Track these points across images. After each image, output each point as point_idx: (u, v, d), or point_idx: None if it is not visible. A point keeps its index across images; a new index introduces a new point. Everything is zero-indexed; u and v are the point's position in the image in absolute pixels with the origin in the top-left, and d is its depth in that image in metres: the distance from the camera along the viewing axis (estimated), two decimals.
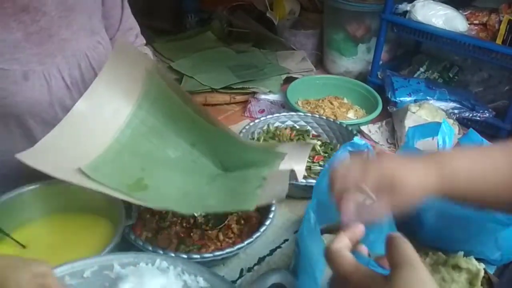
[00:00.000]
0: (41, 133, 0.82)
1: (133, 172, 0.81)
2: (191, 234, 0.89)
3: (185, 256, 0.76)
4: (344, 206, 0.57)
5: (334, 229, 0.77)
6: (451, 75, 1.65)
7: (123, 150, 0.83)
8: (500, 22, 1.35)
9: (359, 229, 0.53)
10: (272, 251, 0.92)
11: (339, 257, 0.48)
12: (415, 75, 1.66)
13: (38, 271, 0.56)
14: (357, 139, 0.81)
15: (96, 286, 0.63)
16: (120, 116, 0.85)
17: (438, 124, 0.92)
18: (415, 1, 1.44)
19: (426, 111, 1.30)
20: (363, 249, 0.54)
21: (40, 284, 0.55)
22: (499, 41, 1.32)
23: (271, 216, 0.87)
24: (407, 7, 1.45)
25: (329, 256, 0.49)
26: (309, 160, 1.10)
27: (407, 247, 0.45)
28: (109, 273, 0.63)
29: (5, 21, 0.80)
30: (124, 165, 0.81)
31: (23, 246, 0.77)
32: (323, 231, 0.68)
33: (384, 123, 1.41)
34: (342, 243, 0.50)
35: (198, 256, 0.77)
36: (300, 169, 0.88)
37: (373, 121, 1.38)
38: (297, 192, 1.04)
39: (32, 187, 0.82)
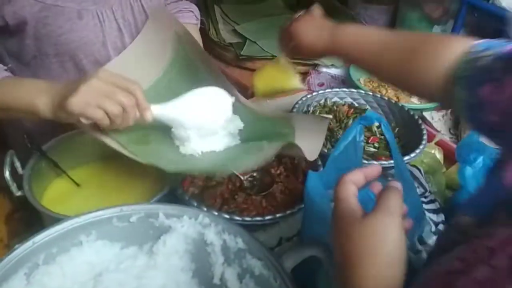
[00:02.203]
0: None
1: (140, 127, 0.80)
2: (235, 196, 0.90)
3: (227, 216, 0.77)
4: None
5: None
6: None
7: None
8: None
9: (376, 169, 0.54)
10: None
11: (343, 184, 0.50)
12: None
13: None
14: (369, 112, 0.80)
15: (140, 232, 0.65)
16: (147, 78, 0.87)
17: None
18: None
19: None
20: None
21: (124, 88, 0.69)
22: None
23: None
24: None
25: (339, 181, 0.50)
26: (364, 141, 1.07)
27: (396, 198, 0.47)
28: (154, 221, 0.65)
29: None
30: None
31: (78, 185, 0.82)
32: None
33: (449, 111, 1.33)
34: (355, 176, 0.51)
35: (240, 219, 0.78)
36: (316, 147, 0.86)
37: (437, 109, 1.31)
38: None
39: None
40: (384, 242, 0.44)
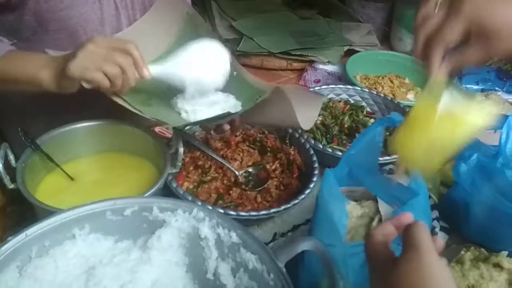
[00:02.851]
0: None
1: (145, 92, 0.84)
2: (230, 192, 0.90)
3: (221, 210, 0.77)
4: (431, 58, 0.55)
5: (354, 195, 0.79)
6: None
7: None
8: None
9: (406, 219, 0.50)
10: (307, 221, 0.91)
11: (372, 240, 0.48)
12: (487, 63, 1.56)
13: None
14: (393, 114, 0.79)
15: (134, 226, 0.65)
16: (153, 52, 0.91)
17: (505, 117, 0.86)
18: None
19: (493, 102, 1.22)
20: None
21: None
22: None
23: (311, 186, 0.86)
24: None
25: (368, 245, 0.49)
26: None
27: (419, 232, 0.45)
28: (148, 215, 0.64)
29: None
30: (142, 85, 0.82)
31: (72, 178, 0.81)
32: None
33: None
34: (386, 230, 0.49)
35: (234, 213, 0.78)
36: (311, 118, 0.88)
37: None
38: None
39: (86, 124, 0.85)
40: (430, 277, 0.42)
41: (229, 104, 0.88)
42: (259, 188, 0.91)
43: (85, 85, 0.73)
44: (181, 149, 0.83)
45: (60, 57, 0.75)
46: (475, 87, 1.33)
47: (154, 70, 0.78)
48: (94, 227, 0.63)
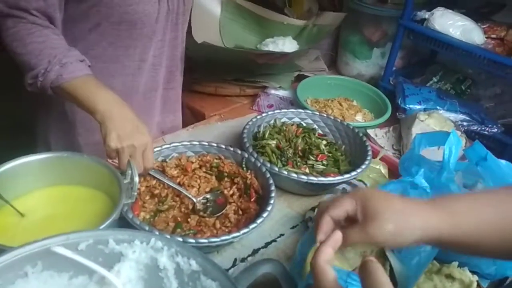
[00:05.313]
0: (142, 46, 1.08)
1: None
2: (189, 219, 0.89)
3: (180, 239, 0.76)
4: (319, 223, 0.60)
5: None
6: (463, 88, 1.64)
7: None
8: None
9: (338, 236, 0.56)
10: (267, 244, 0.92)
11: (323, 273, 0.51)
12: (428, 84, 1.66)
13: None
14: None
15: (89, 260, 0.63)
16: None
17: (447, 134, 0.92)
18: (434, 10, 1.43)
19: (435, 120, 1.29)
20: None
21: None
22: None
23: (269, 209, 0.87)
24: (426, 14, 1.44)
25: (315, 270, 0.51)
26: (313, 159, 1.10)
27: (378, 273, 0.47)
28: (103, 247, 0.63)
29: None
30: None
31: (22, 215, 0.78)
32: None
33: (391, 128, 1.40)
34: (327, 255, 0.53)
35: (193, 241, 0.77)
36: None
37: (380, 126, 1.38)
38: (298, 189, 1.04)
39: (36, 157, 0.83)
40: None
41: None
42: (218, 214, 0.91)
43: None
44: (136, 179, 0.82)
45: (118, 117, 0.87)
46: (418, 106, 1.41)
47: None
48: (47, 264, 0.60)
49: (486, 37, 1.41)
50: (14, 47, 0.91)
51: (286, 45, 1.56)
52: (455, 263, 0.82)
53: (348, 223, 0.60)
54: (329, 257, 0.53)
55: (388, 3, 1.59)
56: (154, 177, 0.94)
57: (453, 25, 1.40)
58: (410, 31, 1.49)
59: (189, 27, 1.25)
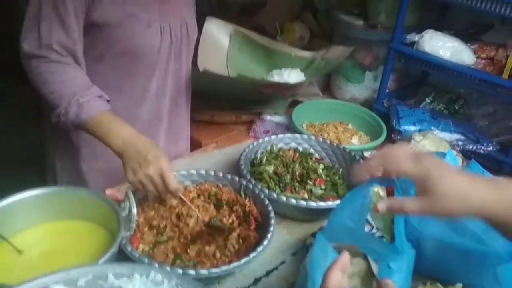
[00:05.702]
0: (144, 76, 1.10)
1: None
2: (188, 250, 0.88)
3: (180, 271, 0.75)
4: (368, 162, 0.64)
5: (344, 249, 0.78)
6: (456, 107, 1.66)
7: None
8: (507, 57, 1.36)
9: (346, 257, 0.56)
10: (268, 273, 0.91)
11: None
12: (421, 106, 1.67)
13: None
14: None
15: None
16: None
17: (443, 154, 0.92)
18: (423, 32, 1.46)
19: (430, 141, 1.30)
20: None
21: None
22: (505, 75, 1.33)
23: (269, 236, 0.87)
24: (415, 37, 1.47)
25: None
26: (311, 183, 1.10)
27: None
28: (103, 283, 0.62)
29: None
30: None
31: (20, 252, 0.77)
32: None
33: None
34: (336, 279, 0.53)
35: (194, 272, 0.76)
36: None
37: (377, 148, 1.39)
38: (297, 215, 1.03)
39: (33, 192, 0.82)
40: None
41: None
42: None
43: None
44: (135, 210, 0.82)
45: (133, 149, 0.91)
46: (412, 128, 1.42)
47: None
48: None
49: (476, 57, 1.44)
50: (39, 88, 0.96)
51: (292, 76, 1.56)
52: (459, 285, 0.81)
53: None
54: (339, 281, 0.52)
55: (378, 27, 1.62)
56: (153, 207, 0.93)
57: (442, 46, 1.43)
58: (400, 54, 1.52)
59: (194, 57, 1.27)
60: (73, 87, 0.95)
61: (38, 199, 0.82)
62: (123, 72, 1.08)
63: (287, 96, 1.61)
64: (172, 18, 1.11)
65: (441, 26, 1.58)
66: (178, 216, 0.94)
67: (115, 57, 1.05)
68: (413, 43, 1.47)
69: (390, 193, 0.89)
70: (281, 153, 1.20)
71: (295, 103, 1.58)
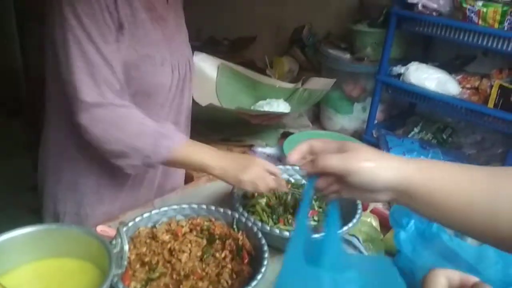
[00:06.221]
0: (154, 113, 1.09)
1: None
2: (181, 286, 0.87)
3: None
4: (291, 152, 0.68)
5: None
6: (445, 137, 1.68)
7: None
8: (491, 86, 1.40)
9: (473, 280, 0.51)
10: None
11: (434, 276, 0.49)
12: (410, 135, 1.70)
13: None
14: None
15: None
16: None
17: None
18: (408, 65, 1.50)
19: None
20: None
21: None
22: (490, 104, 1.36)
23: (262, 270, 0.86)
24: (401, 69, 1.50)
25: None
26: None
27: None
28: None
29: (153, 23, 1.07)
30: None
31: None
32: None
33: None
34: (450, 273, 0.50)
35: None
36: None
37: None
38: None
39: (21, 231, 0.81)
40: None
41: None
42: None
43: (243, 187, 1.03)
44: (126, 247, 0.81)
45: (229, 159, 1.03)
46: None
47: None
48: None
49: (461, 87, 1.48)
50: (110, 134, 0.96)
51: (280, 107, 1.62)
52: None
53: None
54: (451, 277, 0.50)
55: (364, 60, 1.66)
56: (145, 243, 0.92)
57: (428, 78, 1.46)
58: (387, 86, 1.55)
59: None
60: (151, 126, 0.99)
61: (29, 237, 0.81)
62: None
63: (274, 125, 1.63)
64: (180, 55, 1.15)
65: (425, 58, 1.63)
66: (171, 251, 0.93)
67: (128, 97, 1.05)
68: (399, 75, 1.51)
69: None
70: None
71: (286, 135, 1.60)
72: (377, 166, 0.58)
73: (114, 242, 0.83)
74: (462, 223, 0.56)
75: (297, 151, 0.68)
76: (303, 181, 1.25)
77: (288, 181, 1.23)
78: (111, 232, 1.02)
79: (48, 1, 0.96)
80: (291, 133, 1.62)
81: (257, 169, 1.02)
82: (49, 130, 1.16)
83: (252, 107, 1.70)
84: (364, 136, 1.64)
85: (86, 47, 0.93)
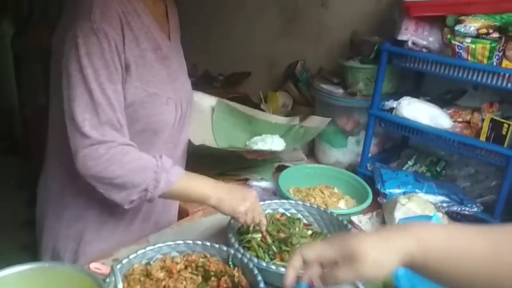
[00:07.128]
0: (157, 150, 1.12)
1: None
2: None
3: None
4: (286, 273, 0.66)
5: None
6: (438, 169, 1.69)
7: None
8: (482, 120, 1.42)
9: None
10: None
11: None
12: (404, 168, 1.70)
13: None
14: None
15: None
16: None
17: (429, 217, 0.93)
18: (400, 99, 1.52)
19: (415, 203, 1.31)
20: None
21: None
22: (482, 138, 1.38)
23: None
24: (393, 104, 1.53)
25: None
26: None
27: None
28: None
29: (158, 64, 1.10)
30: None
31: None
32: None
33: (374, 214, 1.41)
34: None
35: None
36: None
37: (363, 212, 1.39)
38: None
39: (15, 270, 0.80)
40: None
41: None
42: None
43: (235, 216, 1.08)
44: (120, 285, 0.79)
45: (225, 190, 1.08)
46: (397, 190, 1.43)
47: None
48: None
49: (453, 121, 1.50)
50: (111, 171, 0.97)
51: (275, 143, 1.64)
52: None
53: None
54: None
55: (357, 95, 1.69)
56: (138, 281, 0.90)
57: (420, 112, 1.48)
58: (380, 120, 1.57)
59: None
60: (150, 160, 1.01)
61: (23, 276, 0.80)
62: (141, 147, 1.06)
63: (268, 159, 1.64)
64: (182, 94, 1.19)
65: (417, 92, 1.66)
66: None
67: (134, 134, 1.06)
68: (391, 109, 1.53)
69: None
70: (269, 218, 1.19)
71: (281, 168, 1.60)
72: (384, 260, 0.61)
73: (107, 280, 0.82)
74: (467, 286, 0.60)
75: (291, 270, 0.68)
76: (299, 215, 1.24)
77: (283, 215, 1.23)
78: (105, 269, 1.00)
79: (60, 39, 0.98)
80: (286, 167, 1.62)
81: (253, 201, 1.06)
82: (49, 168, 1.16)
83: (247, 143, 1.70)
84: (358, 169, 1.64)
85: (92, 86, 0.94)
